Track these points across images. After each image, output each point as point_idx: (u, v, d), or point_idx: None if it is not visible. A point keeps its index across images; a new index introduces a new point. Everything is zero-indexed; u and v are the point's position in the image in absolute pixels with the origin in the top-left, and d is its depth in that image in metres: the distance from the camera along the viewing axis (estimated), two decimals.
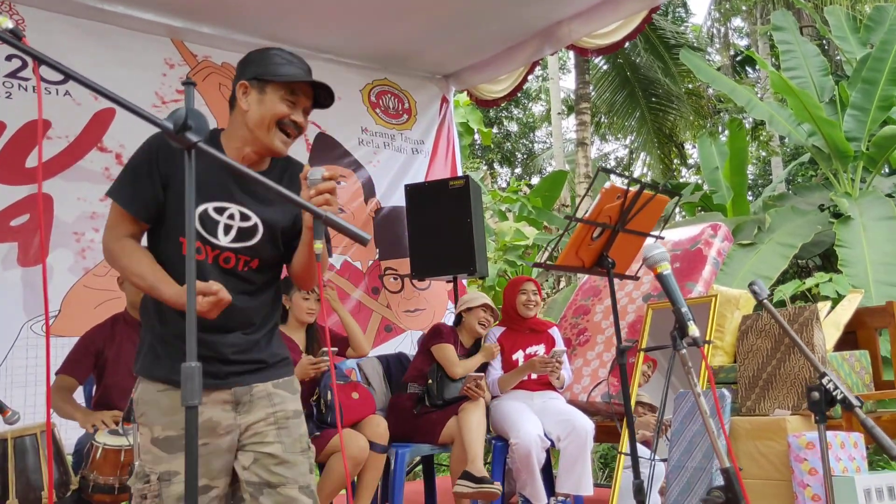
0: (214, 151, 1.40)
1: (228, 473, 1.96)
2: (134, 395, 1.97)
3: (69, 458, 3.05)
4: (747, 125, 15.69)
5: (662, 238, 2.64)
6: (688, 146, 17.48)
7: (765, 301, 1.88)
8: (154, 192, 1.88)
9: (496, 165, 21.42)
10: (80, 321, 3.70)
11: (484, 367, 4.06)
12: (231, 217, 1.92)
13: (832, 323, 3.66)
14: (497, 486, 3.46)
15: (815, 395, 1.75)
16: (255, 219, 1.95)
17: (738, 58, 17.58)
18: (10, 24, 1.30)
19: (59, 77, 4.21)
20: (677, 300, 1.62)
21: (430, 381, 3.89)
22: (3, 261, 3.92)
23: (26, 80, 4.12)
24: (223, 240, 1.92)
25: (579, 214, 2.65)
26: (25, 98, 4.09)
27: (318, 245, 1.63)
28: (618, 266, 2.55)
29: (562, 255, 2.48)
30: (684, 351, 1.58)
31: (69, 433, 3.26)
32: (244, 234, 1.94)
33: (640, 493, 2.25)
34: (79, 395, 3.47)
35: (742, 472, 3.23)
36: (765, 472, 3.18)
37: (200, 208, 1.89)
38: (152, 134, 1.88)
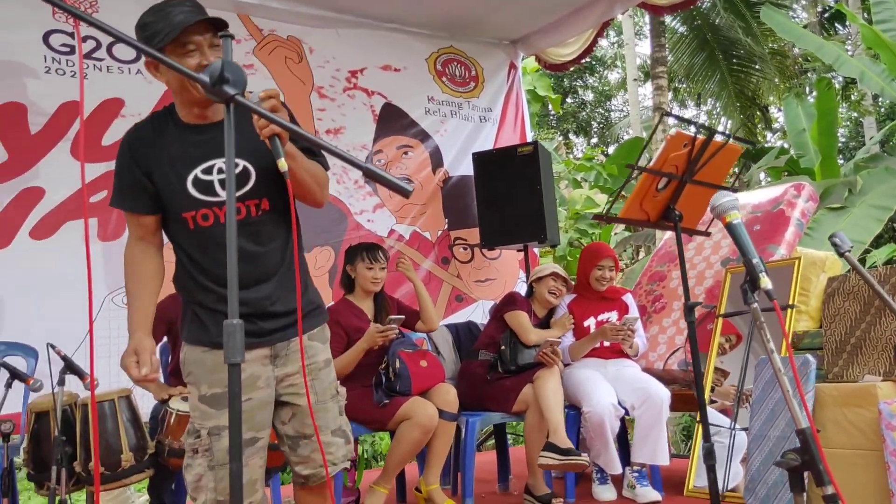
0: (250, 104, 1.37)
1: (270, 424, 2.06)
2: (181, 356, 2.08)
3: (146, 425, 3.14)
4: (837, 85, 14.90)
5: (736, 190, 2.48)
6: (772, 109, 16.75)
7: (847, 254, 1.74)
8: (140, 183, 1.96)
9: (571, 135, 21.04)
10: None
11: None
12: (220, 171, 1.95)
13: None
14: (584, 458, 3.36)
15: None
16: (241, 163, 1.95)
17: (826, 14, 16.67)
18: None
19: (132, 56, 4.32)
20: (748, 251, 1.51)
21: (502, 347, 3.83)
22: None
23: (100, 60, 4.23)
24: (223, 194, 1.94)
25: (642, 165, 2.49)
26: (100, 78, 4.20)
27: (282, 163, 1.58)
28: (686, 220, 2.41)
29: (625, 206, 2.36)
30: (755, 305, 1.48)
31: (145, 401, 3.36)
32: (239, 180, 1.95)
33: (709, 456, 2.14)
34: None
35: (829, 441, 3.06)
36: (853, 441, 2.99)
37: (190, 177, 1.94)
38: (125, 135, 2.02)
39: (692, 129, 2.25)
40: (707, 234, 2.79)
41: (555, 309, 4.07)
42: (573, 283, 4.15)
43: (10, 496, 2.95)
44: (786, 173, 10.28)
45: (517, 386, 3.68)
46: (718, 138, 2.29)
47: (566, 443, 3.40)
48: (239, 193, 1.94)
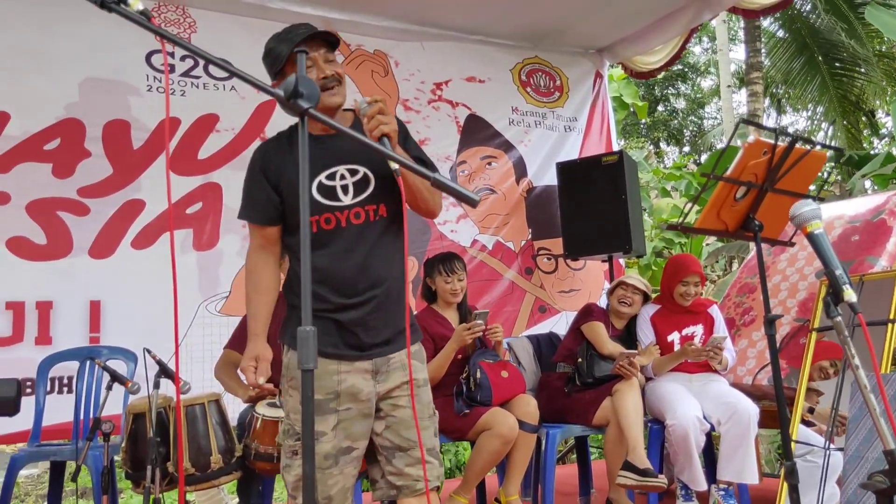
0: (323, 117, 1.42)
1: (367, 436, 2.10)
2: (285, 363, 2.16)
3: (233, 428, 3.25)
4: None
5: (822, 200, 2.38)
6: (879, 114, 15.92)
7: None
8: (267, 196, 2.09)
9: (662, 144, 20.60)
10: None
11: (633, 346, 3.90)
12: (342, 177, 2.06)
13: None
14: (663, 480, 3.31)
15: None
16: (362, 170, 2.07)
17: None
18: (140, 6, 1.38)
19: (226, 73, 4.51)
20: (831, 262, 1.44)
21: (579, 359, 3.79)
22: (181, 246, 4.25)
23: (197, 77, 4.43)
24: (346, 199, 2.05)
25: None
26: (197, 95, 4.41)
27: (394, 165, 1.73)
28: (767, 230, 2.32)
29: (701, 216, 2.30)
30: (838, 318, 1.41)
31: (234, 406, 3.48)
32: (360, 186, 2.06)
33: (791, 475, 2.05)
34: None
35: None
36: None
37: (315, 182, 2.04)
38: (256, 150, 2.17)
39: (781, 135, 2.17)
40: (791, 244, 2.69)
41: (634, 319, 3.99)
42: (651, 291, 4.05)
43: (110, 493, 3.10)
44: (894, 181, 9.76)
45: (597, 399, 3.64)
46: (801, 145, 2.21)
47: (644, 462, 3.34)
48: (359, 198, 2.06)
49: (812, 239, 1.53)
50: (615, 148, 5.86)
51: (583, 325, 3.87)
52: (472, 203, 1.39)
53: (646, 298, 3.99)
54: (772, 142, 2.15)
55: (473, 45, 5.35)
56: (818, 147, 2.23)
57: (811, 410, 3.67)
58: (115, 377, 3.06)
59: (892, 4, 12.78)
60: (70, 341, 3.91)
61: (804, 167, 2.27)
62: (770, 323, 2.13)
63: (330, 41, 2.09)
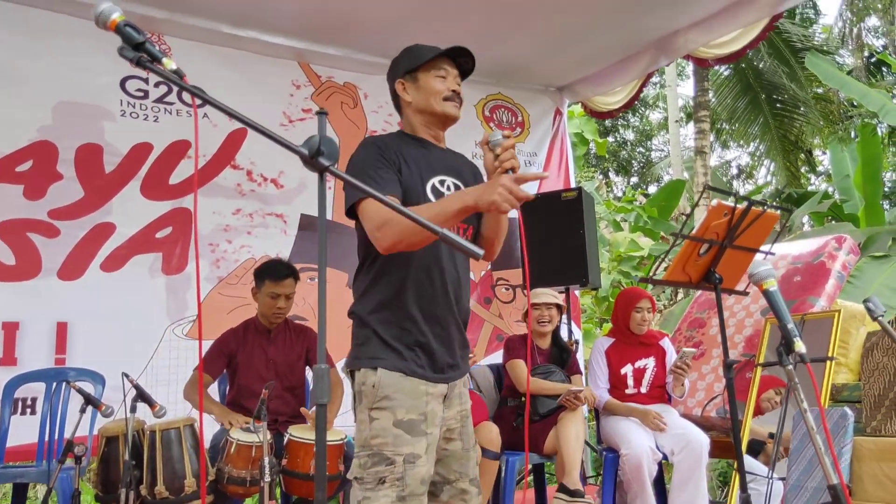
0: (341, 173, 1.53)
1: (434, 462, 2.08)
2: (365, 384, 2.04)
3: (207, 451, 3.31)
4: (883, 130, 14.80)
5: (773, 254, 2.61)
6: (817, 153, 16.67)
7: (880, 319, 1.85)
8: (396, 167, 2.09)
9: (611, 174, 21.12)
10: (215, 325, 4.01)
11: (565, 355, 4.05)
12: (449, 188, 2.15)
13: None
14: (589, 500, 3.50)
15: None
16: (462, 186, 2.17)
17: (873, 59, 16.61)
18: (173, 66, 1.50)
19: (199, 101, 4.58)
20: (783, 317, 1.63)
21: (521, 397, 3.93)
22: (150, 269, 4.29)
23: (171, 104, 4.50)
24: None
25: (690, 227, 2.66)
26: (170, 121, 4.47)
27: (498, 135, 1.91)
28: (726, 281, 2.55)
29: (669, 270, 2.51)
30: (790, 367, 1.60)
31: (206, 428, 3.54)
32: None
33: None
34: (213, 392, 3.76)
35: (867, 494, 3.11)
36: (891, 495, 3.05)
37: (430, 182, 2.12)
38: (364, 140, 2.18)
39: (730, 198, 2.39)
40: (745, 293, 2.92)
41: (557, 332, 4.13)
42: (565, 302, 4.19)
43: None
44: (829, 218, 10.25)
45: (545, 429, 3.80)
46: (756, 207, 2.44)
47: (576, 484, 3.53)
48: None
49: (767, 295, 1.71)
50: (573, 183, 6.08)
51: (506, 365, 4.03)
52: (476, 256, 1.52)
53: (559, 308, 4.08)
54: (731, 204, 2.38)
55: None
56: (770, 209, 2.47)
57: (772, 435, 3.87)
58: (89, 400, 3.10)
59: (829, 51, 13.44)
60: (35, 362, 3.90)
61: (759, 226, 2.50)
62: (728, 367, 2.32)
63: (464, 69, 2.23)
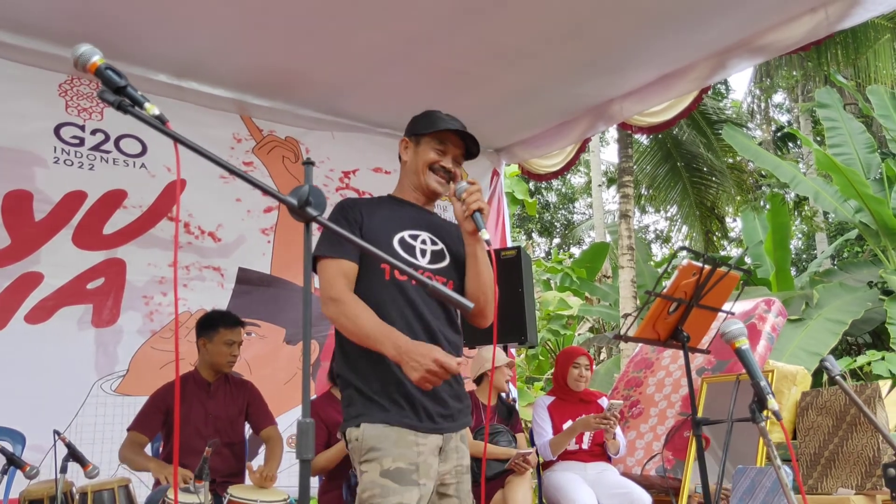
0: (329, 223, 1.52)
1: None
2: (352, 441, 2.07)
3: None
4: (790, 199, 15.66)
5: (733, 313, 2.71)
6: (728, 220, 17.47)
7: (838, 378, 1.93)
8: (351, 232, 2.04)
9: (535, 235, 21.57)
10: (147, 381, 3.85)
11: (510, 424, 4.08)
12: (423, 242, 2.19)
13: (893, 402, 3.64)
14: None
15: (892, 471, 1.77)
16: (441, 244, 2.21)
17: (780, 133, 17.68)
18: (156, 111, 1.46)
19: (137, 150, 4.47)
20: (755, 374, 1.68)
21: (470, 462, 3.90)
22: (79, 321, 4.09)
23: (107, 152, 4.36)
24: (421, 261, 2.16)
25: (661, 287, 2.75)
26: (106, 170, 4.33)
27: (484, 232, 1.95)
28: (691, 340, 2.63)
29: (640, 327, 2.58)
30: (763, 424, 1.64)
31: (139, 490, 3.35)
32: (436, 256, 2.19)
33: None
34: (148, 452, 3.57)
35: None
36: None
37: (398, 235, 2.15)
38: (336, 204, 2.26)
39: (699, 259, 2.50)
40: (708, 352, 3.02)
41: (507, 395, 4.20)
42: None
43: None
44: (743, 283, 10.72)
45: (490, 491, 3.77)
46: (723, 268, 2.54)
47: None
48: (433, 266, 2.17)
49: (739, 353, 1.76)
50: (509, 242, 6.16)
51: None
52: (466, 309, 1.52)
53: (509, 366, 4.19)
54: (699, 265, 2.47)
55: (381, 136, 5.54)
56: (733, 270, 2.57)
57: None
58: (11, 461, 2.91)
59: (740, 123, 14.23)
60: None
61: (722, 286, 2.60)
62: (697, 425, 2.36)
63: (471, 150, 2.28)
